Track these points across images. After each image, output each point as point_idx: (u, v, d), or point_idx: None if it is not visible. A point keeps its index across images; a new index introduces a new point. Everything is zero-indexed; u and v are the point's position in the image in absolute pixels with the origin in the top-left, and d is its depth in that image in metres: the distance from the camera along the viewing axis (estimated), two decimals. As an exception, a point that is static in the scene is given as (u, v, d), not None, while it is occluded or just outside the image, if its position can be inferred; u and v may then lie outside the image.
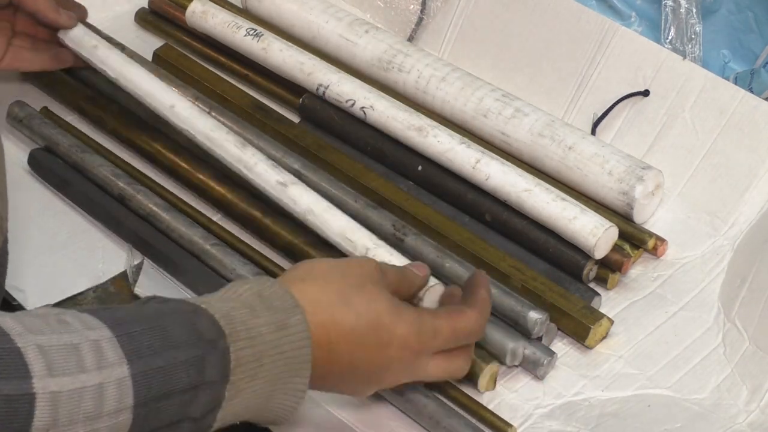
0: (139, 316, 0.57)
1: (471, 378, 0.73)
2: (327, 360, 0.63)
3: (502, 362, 0.75)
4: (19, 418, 0.50)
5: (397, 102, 0.89)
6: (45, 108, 0.96)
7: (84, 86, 0.96)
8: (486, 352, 0.75)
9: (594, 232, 0.78)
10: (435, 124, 0.87)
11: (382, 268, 0.67)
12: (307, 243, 0.81)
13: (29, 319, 0.53)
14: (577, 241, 0.79)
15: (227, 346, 0.58)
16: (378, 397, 0.74)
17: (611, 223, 0.79)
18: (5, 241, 0.71)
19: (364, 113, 0.89)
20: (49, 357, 0.51)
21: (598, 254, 0.79)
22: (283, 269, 0.80)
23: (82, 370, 0.52)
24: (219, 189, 0.86)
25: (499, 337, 0.75)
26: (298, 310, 0.61)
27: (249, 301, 0.61)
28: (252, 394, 0.59)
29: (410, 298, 0.69)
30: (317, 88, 0.91)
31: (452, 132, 0.86)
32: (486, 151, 0.84)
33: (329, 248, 0.78)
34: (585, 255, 0.80)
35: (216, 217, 0.87)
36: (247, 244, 0.84)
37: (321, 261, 0.67)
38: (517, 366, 0.76)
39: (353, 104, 0.89)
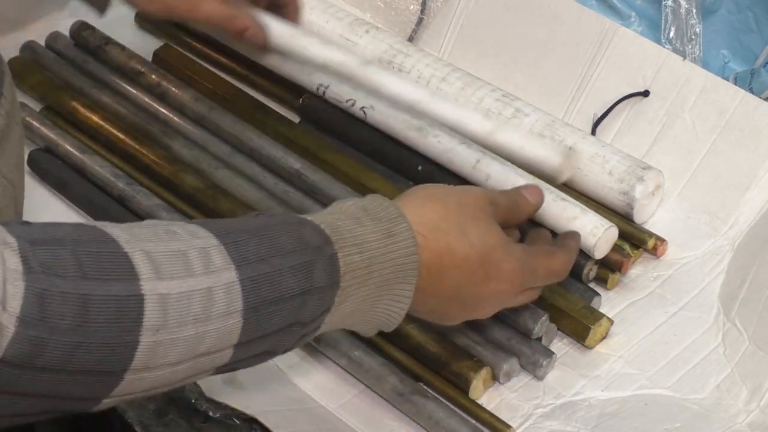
0: (246, 227, 0.57)
1: (463, 389, 0.74)
2: (437, 283, 0.65)
3: (495, 378, 0.75)
4: (130, 318, 0.50)
5: (398, 102, 0.89)
6: (45, 108, 0.96)
7: (79, 95, 0.96)
8: (477, 360, 0.75)
9: (594, 232, 0.78)
10: (434, 123, 0.87)
11: (494, 199, 0.69)
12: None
13: (138, 228, 0.54)
14: None
15: (335, 252, 0.59)
16: (378, 397, 0.74)
17: (611, 223, 0.79)
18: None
19: (364, 113, 0.89)
20: (156, 262, 0.52)
21: (598, 254, 0.79)
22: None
23: (190, 275, 0.53)
24: (213, 199, 0.86)
25: (491, 356, 0.75)
26: (402, 219, 0.62)
27: (354, 213, 0.62)
28: (360, 300, 0.61)
29: (519, 224, 0.73)
30: (317, 88, 0.92)
31: (452, 131, 0.86)
32: (486, 151, 0.84)
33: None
34: (585, 255, 0.80)
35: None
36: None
37: (438, 186, 0.68)
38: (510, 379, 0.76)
39: (353, 104, 0.89)
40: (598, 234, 0.78)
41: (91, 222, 0.54)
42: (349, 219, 0.61)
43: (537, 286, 0.72)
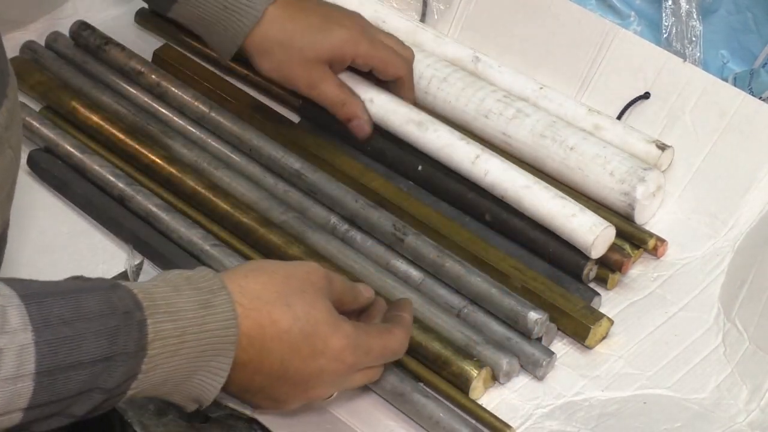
0: (55, 289, 0.56)
1: (463, 389, 0.73)
2: (260, 358, 0.63)
3: (495, 378, 0.75)
4: None
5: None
6: (45, 108, 0.96)
7: (79, 95, 0.96)
8: (477, 360, 0.75)
9: (593, 230, 0.78)
10: (434, 119, 0.87)
11: (331, 277, 0.67)
12: (301, 253, 0.81)
13: None
14: (575, 239, 0.79)
15: (144, 318, 0.57)
16: (378, 397, 0.74)
17: (609, 223, 0.79)
18: (5, 225, 0.70)
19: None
20: None
21: (595, 253, 0.79)
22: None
23: None
24: (214, 199, 0.86)
25: (491, 356, 0.75)
26: (225, 291, 0.61)
27: (174, 280, 0.61)
28: (172, 370, 0.59)
29: (350, 312, 0.70)
30: None
31: (451, 128, 0.86)
32: (486, 147, 0.84)
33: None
34: (584, 255, 0.80)
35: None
36: (247, 245, 0.83)
37: (268, 261, 0.67)
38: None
39: None
40: (596, 232, 0.78)
41: None
42: (168, 286, 0.60)
43: (374, 366, 0.69)
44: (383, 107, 0.88)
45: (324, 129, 0.92)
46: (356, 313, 0.71)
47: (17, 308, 0.53)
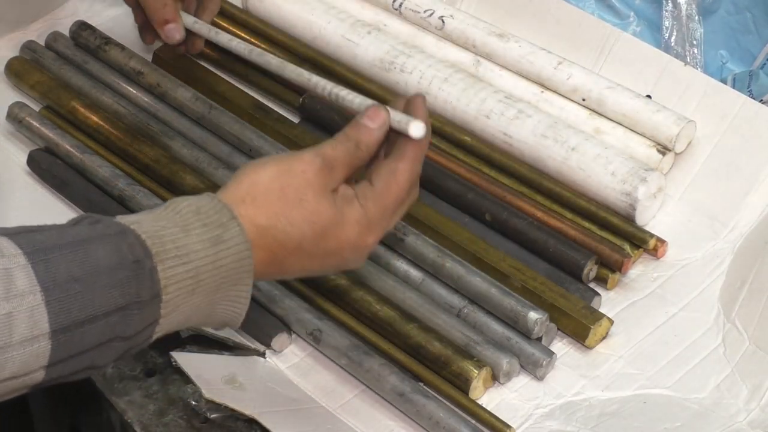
0: (62, 239, 0.55)
1: (463, 389, 0.74)
2: (280, 272, 0.64)
3: (495, 378, 0.75)
4: None
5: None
6: (45, 108, 0.96)
7: (79, 95, 0.96)
8: (477, 360, 0.75)
9: (678, 122, 0.82)
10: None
11: (327, 160, 0.64)
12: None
13: None
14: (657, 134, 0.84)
15: (154, 266, 0.57)
16: (378, 397, 0.74)
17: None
18: None
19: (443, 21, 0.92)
20: None
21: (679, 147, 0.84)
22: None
23: None
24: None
25: (491, 356, 0.75)
26: (235, 222, 0.61)
27: (184, 218, 0.60)
28: (194, 308, 0.59)
29: (370, 159, 0.67)
30: None
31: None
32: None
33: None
34: (585, 255, 0.80)
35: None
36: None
37: (261, 174, 0.63)
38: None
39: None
40: (681, 123, 0.83)
41: None
42: (177, 227, 0.59)
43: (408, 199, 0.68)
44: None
45: (324, 129, 0.92)
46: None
47: (23, 269, 0.52)
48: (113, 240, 0.56)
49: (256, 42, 1.00)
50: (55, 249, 0.54)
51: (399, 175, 0.66)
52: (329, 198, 0.64)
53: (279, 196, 0.63)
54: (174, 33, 0.89)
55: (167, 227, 0.59)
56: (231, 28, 1.01)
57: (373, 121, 0.66)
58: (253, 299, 0.64)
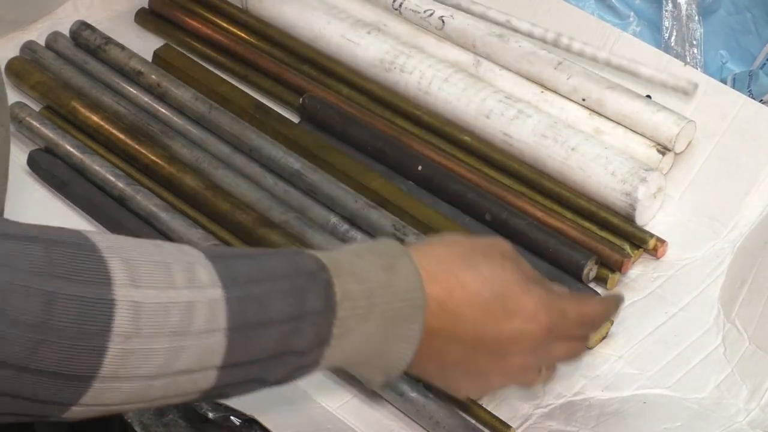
0: (239, 252, 0.57)
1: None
2: (451, 325, 0.60)
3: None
4: (97, 321, 0.48)
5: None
6: (45, 108, 0.96)
7: (79, 95, 0.96)
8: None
9: (678, 122, 0.82)
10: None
11: (518, 255, 0.64)
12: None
13: (123, 239, 0.52)
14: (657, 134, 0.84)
15: (330, 279, 0.56)
16: (378, 397, 0.74)
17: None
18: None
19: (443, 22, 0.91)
20: (135, 270, 0.50)
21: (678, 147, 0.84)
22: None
23: (170, 287, 0.51)
24: (214, 199, 0.86)
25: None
26: (405, 255, 0.59)
27: (354, 249, 0.60)
28: (363, 336, 0.57)
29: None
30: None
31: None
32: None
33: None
34: (585, 255, 0.80)
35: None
36: (247, 245, 0.83)
37: (452, 233, 0.65)
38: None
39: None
40: (681, 123, 0.83)
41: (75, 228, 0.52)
42: (349, 253, 0.59)
43: (575, 337, 0.66)
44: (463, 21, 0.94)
45: (324, 129, 0.93)
46: None
47: (205, 266, 0.52)
48: (288, 253, 0.57)
49: (257, 42, 1.00)
50: (233, 256, 0.55)
51: (589, 302, 0.67)
52: (516, 267, 0.63)
53: (465, 248, 0.62)
54: None
55: (340, 252, 0.59)
56: (231, 28, 1.01)
57: (593, 306, 0.67)
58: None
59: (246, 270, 0.54)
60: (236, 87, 0.97)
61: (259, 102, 0.96)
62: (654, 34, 1.00)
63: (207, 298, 0.52)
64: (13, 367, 0.47)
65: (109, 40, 0.99)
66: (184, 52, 1.01)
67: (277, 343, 0.54)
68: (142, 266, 0.50)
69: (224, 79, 0.98)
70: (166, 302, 0.50)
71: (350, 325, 0.56)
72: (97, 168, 0.89)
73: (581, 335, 0.67)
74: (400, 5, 0.97)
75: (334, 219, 0.85)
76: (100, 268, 0.49)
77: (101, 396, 0.50)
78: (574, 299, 0.66)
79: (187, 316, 0.51)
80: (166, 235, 0.84)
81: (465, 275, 0.61)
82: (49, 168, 0.90)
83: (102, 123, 0.92)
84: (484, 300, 0.61)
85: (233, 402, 0.71)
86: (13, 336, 0.47)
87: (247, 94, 0.97)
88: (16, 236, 0.49)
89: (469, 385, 0.64)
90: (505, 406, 0.74)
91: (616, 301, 0.71)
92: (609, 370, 0.76)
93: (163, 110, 0.94)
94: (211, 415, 0.72)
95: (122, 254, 0.50)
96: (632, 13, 1.01)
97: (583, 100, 0.88)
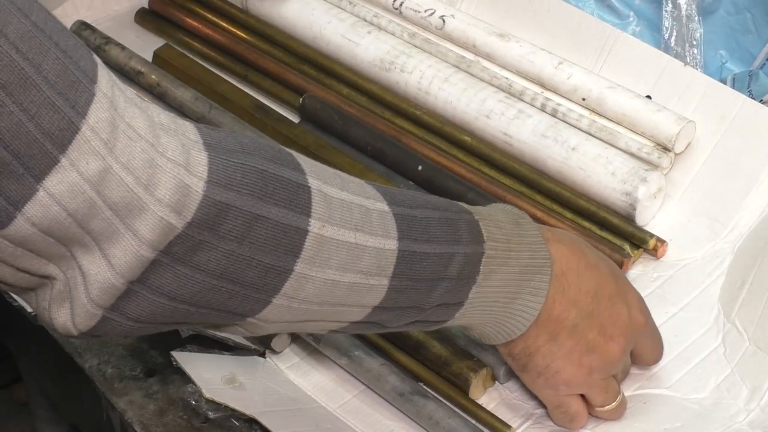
0: (396, 190, 0.61)
1: (463, 389, 0.74)
2: (577, 283, 0.65)
3: (495, 378, 0.75)
4: (302, 202, 0.53)
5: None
6: (45, 108, 0.96)
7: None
8: (477, 360, 0.75)
9: (678, 122, 0.83)
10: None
11: None
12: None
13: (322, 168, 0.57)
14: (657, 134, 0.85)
15: (476, 220, 0.61)
16: (378, 397, 0.74)
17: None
18: None
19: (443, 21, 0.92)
20: (322, 175, 0.55)
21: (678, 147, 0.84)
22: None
23: (347, 190, 0.56)
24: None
25: (491, 357, 0.75)
26: (526, 216, 0.65)
27: (486, 209, 0.65)
28: (502, 282, 0.62)
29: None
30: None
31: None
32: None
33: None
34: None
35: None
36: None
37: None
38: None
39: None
40: (681, 123, 0.83)
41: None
42: (481, 208, 0.64)
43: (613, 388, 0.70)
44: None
45: (324, 129, 0.93)
46: None
47: (372, 186, 0.58)
48: (439, 198, 0.62)
49: (257, 42, 1.00)
50: (392, 190, 0.60)
51: (658, 343, 0.73)
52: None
53: (585, 248, 0.68)
54: None
55: (477, 208, 0.64)
56: (231, 28, 1.01)
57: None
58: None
59: (404, 198, 0.59)
60: (236, 87, 0.98)
61: (259, 102, 0.96)
62: (654, 34, 1.00)
63: (379, 209, 0.56)
64: (231, 241, 0.50)
65: (108, 40, 0.99)
66: (184, 52, 1.01)
67: (436, 265, 0.58)
68: (326, 173, 0.56)
69: (224, 79, 0.98)
70: (348, 201, 0.55)
71: (493, 266, 0.61)
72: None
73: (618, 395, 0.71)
74: (400, 5, 0.97)
75: (334, 219, 0.84)
76: (296, 160, 0.55)
77: (300, 286, 0.53)
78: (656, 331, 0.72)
79: (366, 217, 0.55)
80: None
81: (585, 247, 0.67)
82: (49, 168, 0.90)
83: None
84: (602, 272, 0.66)
85: (233, 402, 0.71)
86: (236, 211, 0.50)
87: (247, 94, 0.97)
88: (235, 151, 0.51)
89: (571, 367, 0.67)
90: (505, 406, 0.74)
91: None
92: (609, 370, 0.76)
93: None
94: (211, 415, 0.72)
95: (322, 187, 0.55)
96: (632, 13, 1.01)
97: (583, 99, 0.88)
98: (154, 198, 0.47)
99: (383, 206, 0.57)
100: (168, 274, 0.49)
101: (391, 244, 0.56)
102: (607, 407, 0.70)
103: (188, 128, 0.50)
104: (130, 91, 0.50)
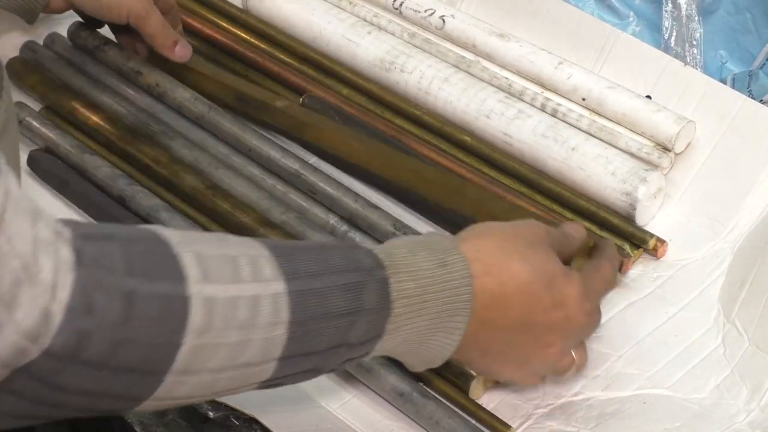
0: (299, 245, 0.59)
1: (463, 389, 0.73)
2: (502, 314, 0.63)
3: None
4: (175, 318, 0.50)
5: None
6: (45, 108, 0.96)
7: (79, 95, 0.95)
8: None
9: (678, 122, 0.82)
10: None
11: (548, 229, 0.68)
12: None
13: (191, 233, 0.55)
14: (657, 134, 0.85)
15: (386, 277, 0.58)
16: (378, 397, 0.74)
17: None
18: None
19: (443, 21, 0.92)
20: (206, 264, 0.52)
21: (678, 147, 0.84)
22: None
23: (238, 280, 0.53)
24: (214, 199, 0.85)
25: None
26: (456, 250, 0.62)
27: (407, 244, 0.61)
28: (412, 331, 0.60)
29: (566, 259, 0.70)
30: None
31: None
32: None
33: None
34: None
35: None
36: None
37: (491, 222, 0.67)
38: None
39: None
40: (681, 123, 0.83)
41: (143, 225, 0.54)
42: (403, 248, 0.61)
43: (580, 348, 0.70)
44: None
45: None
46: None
47: (268, 260, 0.54)
48: (347, 249, 0.59)
49: (257, 42, 1.00)
50: (295, 250, 0.57)
51: (606, 267, 0.71)
52: (555, 254, 0.66)
53: (512, 238, 0.65)
54: (186, 51, 0.93)
55: (395, 247, 0.61)
56: (231, 28, 1.01)
57: (577, 232, 0.72)
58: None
59: (306, 264, 0.56)
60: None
61: (259, 102, 0.96)
62: (654, 34, 1.00)
63: (271, 292, 0.54)
64: (95, 366, 0.49)
65: (107, 40, 0.99)
66: (184, 52, 1.01)
67: (334, 336, 0.56)
68: (211, 260, 0.52)
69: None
70: (235, 296, 0.52)
71: (402, 322, 0.59)
72: (96, 168, 0.88)
73: (599, 304, 0.70)
74: (400, 5, 0.97)
75: (333, 219, 0.85)
76: (174, 265, 0.51)
77: (170, 390, 0.52)
78: (597, 270, 0.70)
79: (254, 310, 0.53)
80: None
81: (517, 266, 0.63)
82: (49, 168, 0.90)
83: (101, 123, 0.92)
84: (534, 290, 0.64)
85: (233, 402, 0.71)
86: (98, 336, 0.48)
87: (248, 94, 0.97)
88: (96, 236, 0.50)
89: (509, 374, 0.68)
90: (505, 406, 0.74)
91: (612, 249, 0.73)
92: (609, 370, 0.76)
93: (163, 110, 0.94)
94: (211, 414, 0.72)
95: (193, 248, 0.52)
96: (632, 13, 1.01)
97: (583, 99, 0.88)
98: (11, 319, 0.46)
99: (278, 287, 0.54)
100: (27, 390, 0.48)
101: (281, 329, 0.54)
102: (569, 374, 0.70)
103: (61, 245, 0.48)
104: (28, 200, 0.48)
